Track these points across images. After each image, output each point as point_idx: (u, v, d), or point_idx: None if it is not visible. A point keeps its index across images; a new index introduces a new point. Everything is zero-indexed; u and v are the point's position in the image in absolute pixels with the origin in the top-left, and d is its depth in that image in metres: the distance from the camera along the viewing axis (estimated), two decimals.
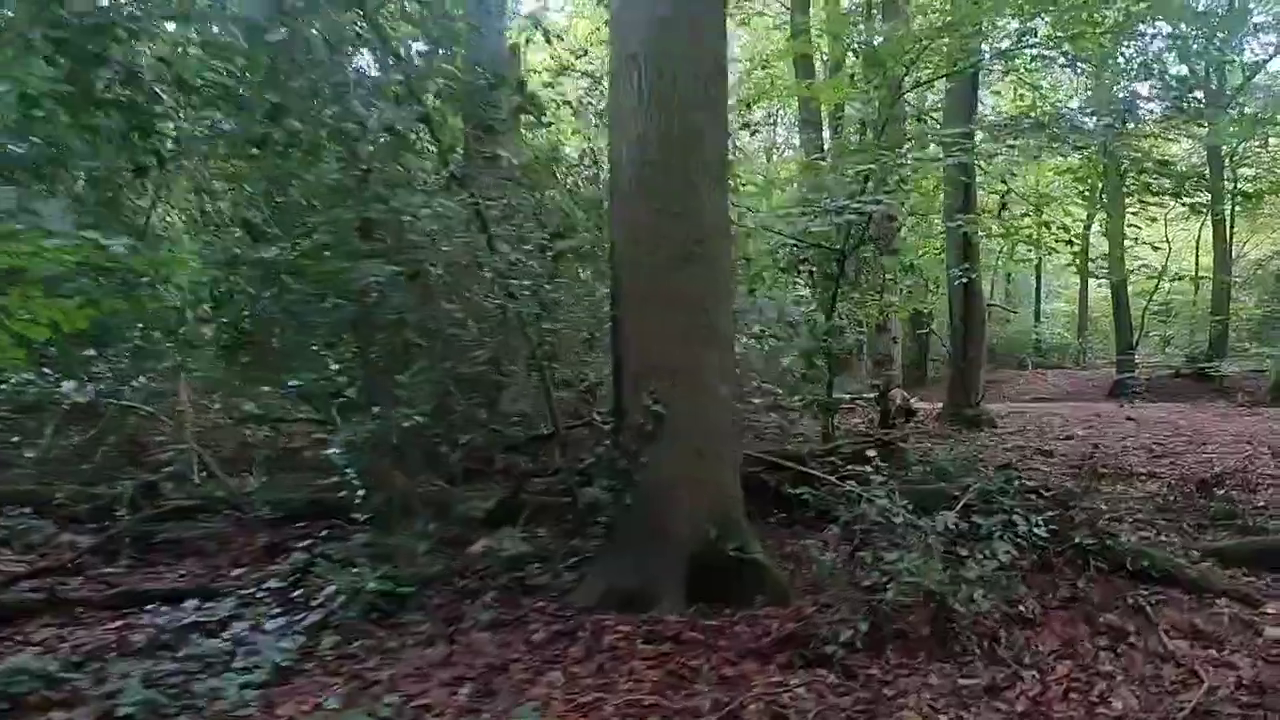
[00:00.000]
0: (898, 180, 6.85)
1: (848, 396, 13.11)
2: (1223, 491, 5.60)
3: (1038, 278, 31.79)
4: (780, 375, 6.15)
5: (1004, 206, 9.50)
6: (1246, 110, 21.63)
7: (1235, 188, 23.53)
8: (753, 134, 8.20)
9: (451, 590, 3.98)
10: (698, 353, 3.96)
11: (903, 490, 4.07)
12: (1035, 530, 3.78)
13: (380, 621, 3.65)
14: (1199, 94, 22.59)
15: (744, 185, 8.62)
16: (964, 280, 10.14)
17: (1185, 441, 9.17)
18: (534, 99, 5.13)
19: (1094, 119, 9.62)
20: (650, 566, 3.78)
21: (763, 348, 5.90)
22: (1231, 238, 24.35)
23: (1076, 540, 4.05)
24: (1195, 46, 20.32)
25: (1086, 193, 28.45)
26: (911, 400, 12.71)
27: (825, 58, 15.14)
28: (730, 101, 6.05)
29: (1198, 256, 26.70)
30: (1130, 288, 27.39)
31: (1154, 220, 27.59)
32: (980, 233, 9.98)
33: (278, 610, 3.61)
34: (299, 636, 3.39)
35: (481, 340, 4.53)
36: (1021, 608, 3.56)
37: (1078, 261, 20.72)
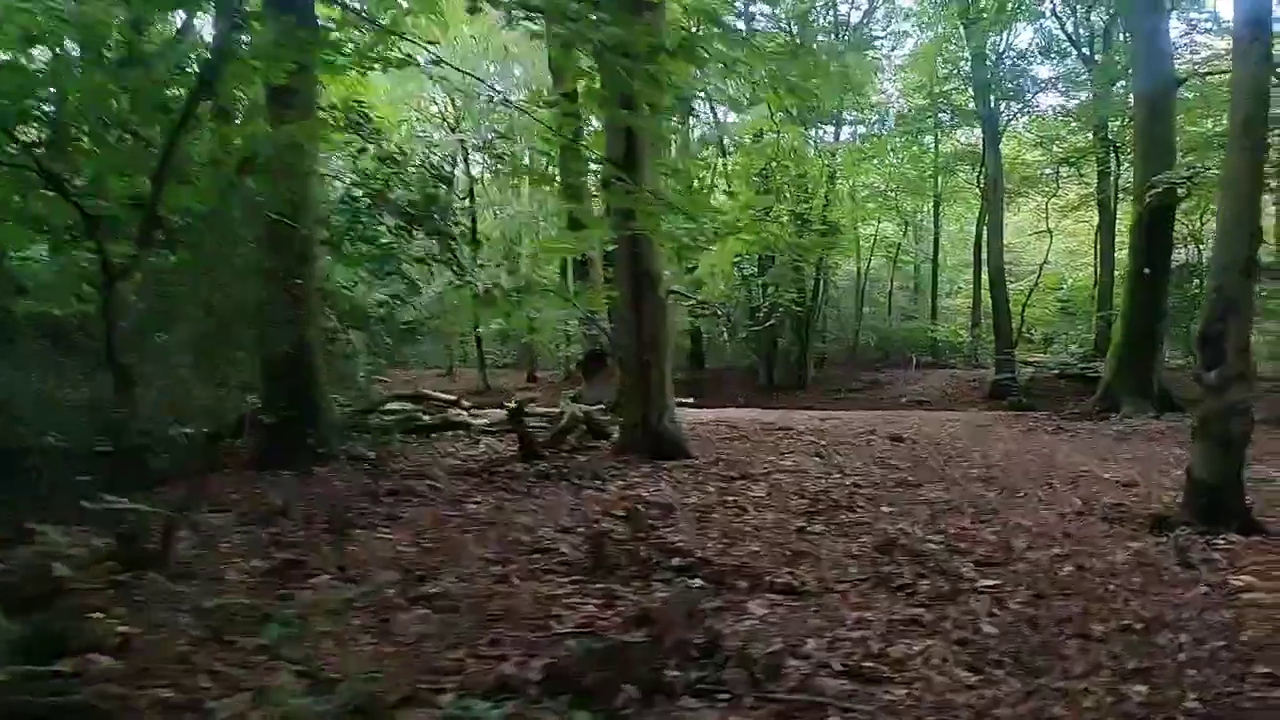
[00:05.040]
0: None
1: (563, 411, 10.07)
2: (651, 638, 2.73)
3: (934, 272, 29.76)
4: None
5: (677, 170, 6.70)
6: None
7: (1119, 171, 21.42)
8: None
9: None
10: None
11: None
12: None
13: None
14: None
15: None
16: (629, 254, 7.27)
17: (901, 484, 6.43)
18: None
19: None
20: None
21: None
22: (1115, 226, 22.21)
23: None
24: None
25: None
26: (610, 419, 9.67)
27: None
28: None
29: (1098, 250, 24.52)
30: (1020, 284, 25.24)
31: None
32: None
33: None
34: None
35: None
36: None
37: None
